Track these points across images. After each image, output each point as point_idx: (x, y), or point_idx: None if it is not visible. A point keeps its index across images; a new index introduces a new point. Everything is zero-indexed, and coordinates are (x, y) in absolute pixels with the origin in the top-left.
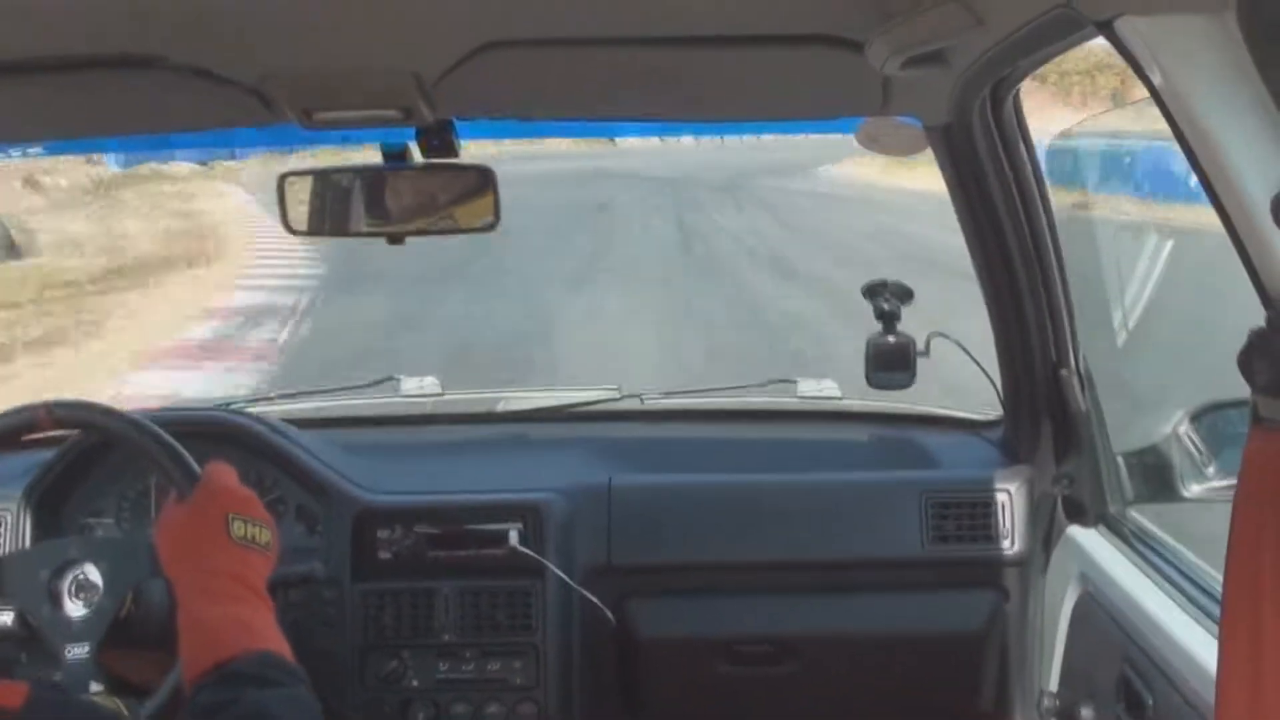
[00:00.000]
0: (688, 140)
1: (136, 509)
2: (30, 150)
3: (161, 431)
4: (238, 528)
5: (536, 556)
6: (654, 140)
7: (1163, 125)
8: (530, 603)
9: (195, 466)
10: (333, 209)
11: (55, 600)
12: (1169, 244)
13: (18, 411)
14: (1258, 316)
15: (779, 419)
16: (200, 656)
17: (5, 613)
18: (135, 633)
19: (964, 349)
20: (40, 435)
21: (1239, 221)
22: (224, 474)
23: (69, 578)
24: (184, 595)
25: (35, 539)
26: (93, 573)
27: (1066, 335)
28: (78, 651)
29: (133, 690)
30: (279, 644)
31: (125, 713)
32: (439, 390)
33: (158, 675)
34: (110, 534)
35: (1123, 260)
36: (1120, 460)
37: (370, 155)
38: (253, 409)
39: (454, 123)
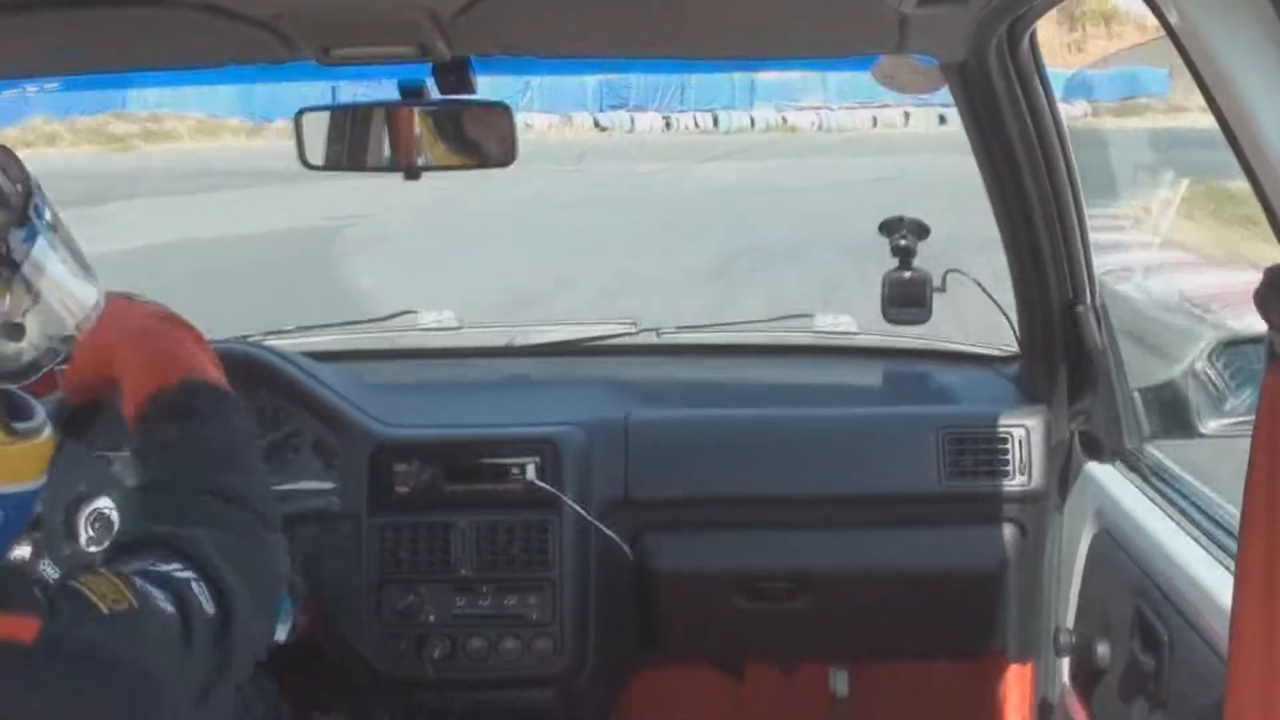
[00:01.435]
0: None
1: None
2: (47, 86)
3: None
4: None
5: (553, 490)
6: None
7: None
8: (547, 537)
9: None
10: (351, 144)
11: (72, 535)
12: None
13: None
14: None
15: (796, 354)
16: (140, 384)
17: (23, 547)
18: None
19: (980, 285)
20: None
21: (1256, 162)
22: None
23: (84, 512)
24: (119, 342)
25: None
26: (107, 506)
27: (1083, 271)
28: None
29: None
30: (217, 372)
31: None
32: (456, 324)
33: None
34: (127, 469)
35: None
36: (1137, 396)
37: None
38: (271, 341)
39: (471, 60)
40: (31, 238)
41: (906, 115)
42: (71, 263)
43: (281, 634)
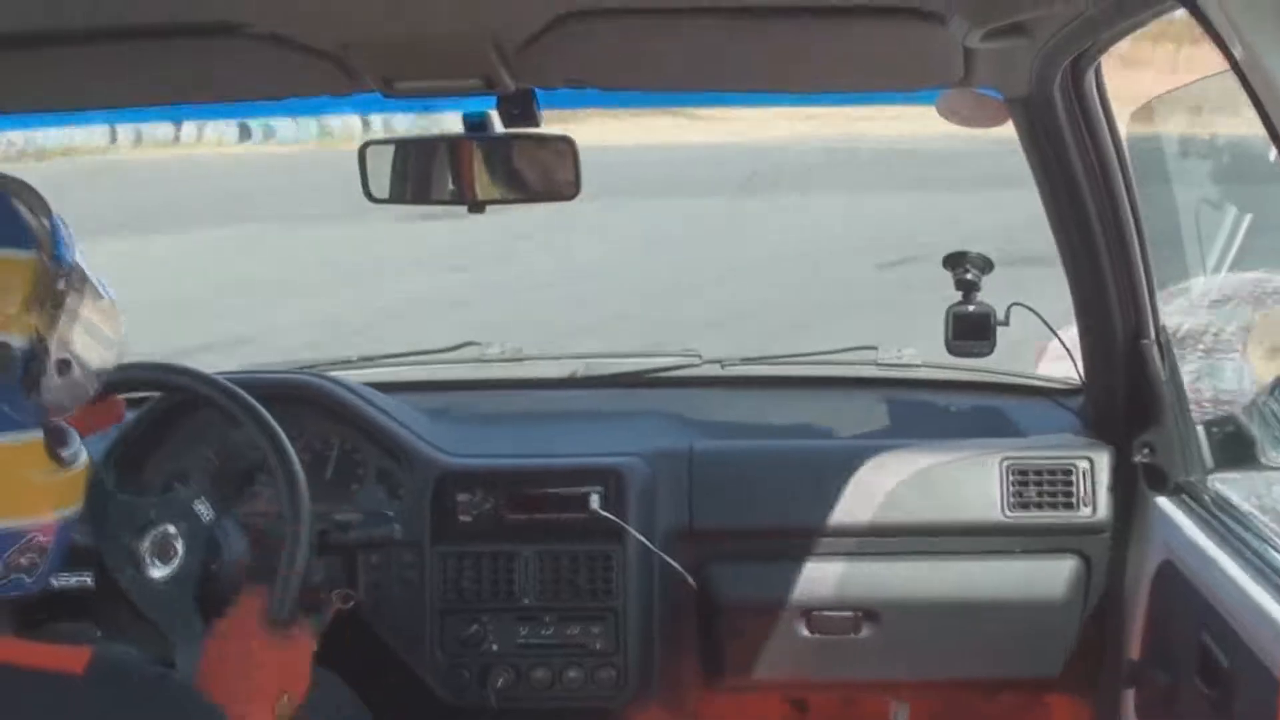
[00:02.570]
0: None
1: (220, 472)
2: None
3: (245, 394)
4: (282, 705)
5: (617, 520)
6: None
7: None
8: (611, 567)
9: (278, 429)
10: (415, 177)
11: (137, 563)
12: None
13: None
14: None
15: (859, 386)
16: None
17: (84, 575)
18: (217, 594)
19: (1043, 319)
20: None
21: None
22: (309, 637)
23: (148, 539)
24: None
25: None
26: (173, 534)
27: (1146, 305)
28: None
29: None
30: None
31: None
32: (519, 355)
33: None
34: (191, 496)
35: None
36: (1200, 429)
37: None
38: (334, 372)
39: (535, 92)
40: (63, 273)
41: None
42: (102, 295)
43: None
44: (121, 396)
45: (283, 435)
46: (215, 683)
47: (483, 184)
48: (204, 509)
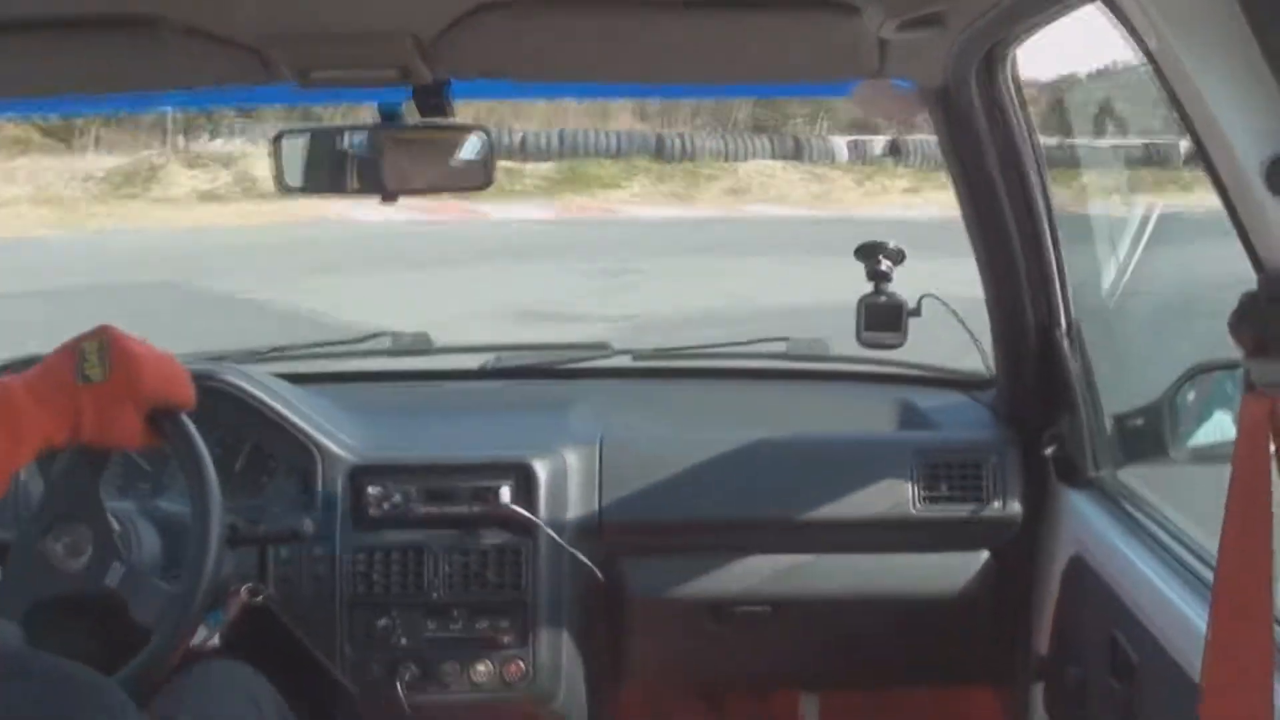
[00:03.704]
0: None
1: (132, 467)
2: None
3: None
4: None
5: (527, 514)
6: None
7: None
8: (520, 561)
9: (189, 425)
10: (329, 167)
11: (46, 559)
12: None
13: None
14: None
15: (771, 377)
16: None
17: None
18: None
19: (953, 311)
20: None
21: (1232, 187)
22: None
23: (60, 536)
24: None
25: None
26: (85, 531)
27: (1058, 296)
28: None
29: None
30: None
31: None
32: (429, 346)
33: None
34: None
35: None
36: (1111, 422)
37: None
38: (245, 365)
39: (450, 83)
40: None
41: None
42: None
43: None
44: None
45: (192, 429)
46: None
47: (396, 174)
48: (116, 506)
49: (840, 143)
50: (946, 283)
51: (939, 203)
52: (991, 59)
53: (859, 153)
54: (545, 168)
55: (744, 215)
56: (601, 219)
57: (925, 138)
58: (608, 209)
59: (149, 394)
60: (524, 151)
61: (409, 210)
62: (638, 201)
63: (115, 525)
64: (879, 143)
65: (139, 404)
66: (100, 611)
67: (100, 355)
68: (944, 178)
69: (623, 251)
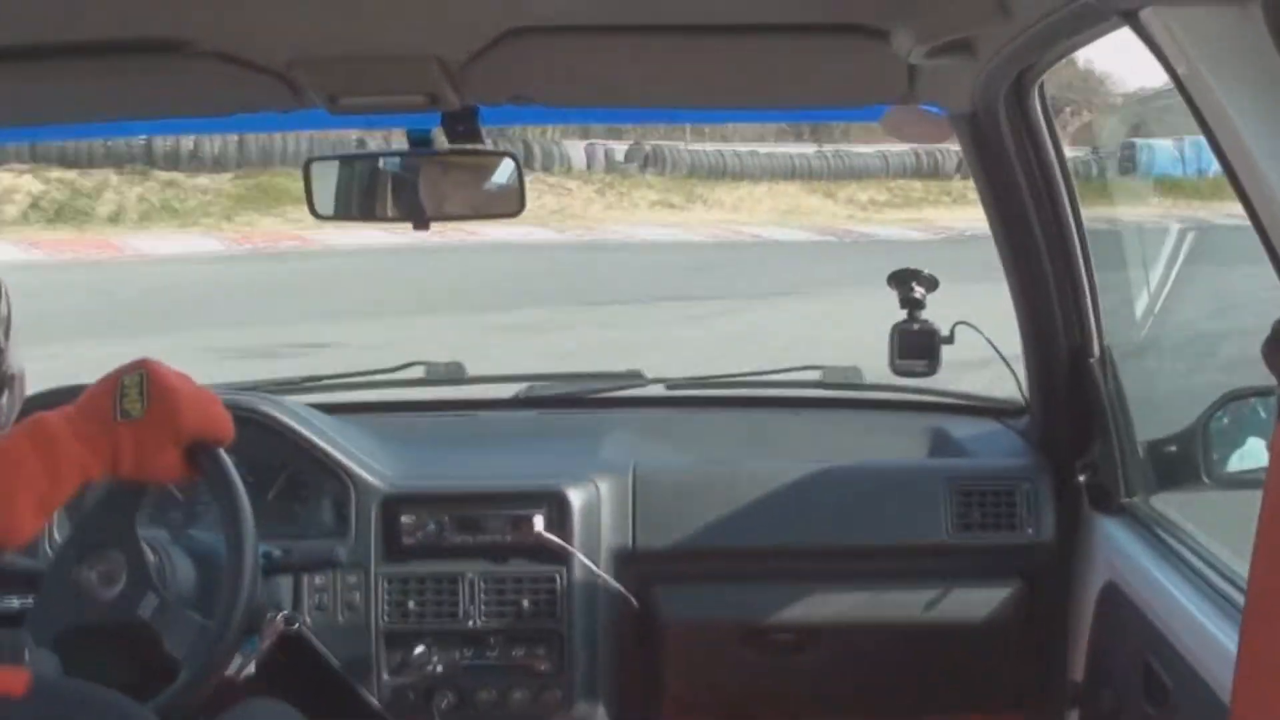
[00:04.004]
0: None
1: (167, 498)
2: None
3: None
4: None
5: (561, 542)
6: None
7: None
8: (555, 589)
9: (224, 455)
10: (359, 194)
11: (79, 587)
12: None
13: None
14: None
15: (803, 405)
16: None
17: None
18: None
19: (987, 339)
20: None
21: (1263, 212)
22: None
23: (95, 564)
24: None
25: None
26: (119, 560)
27: (1090, 322)
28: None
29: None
30: None
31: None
32: (463, 375)
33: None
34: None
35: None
36: (1144, 449)
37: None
38: (279, 395)
39: (478, 109)
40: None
41: None
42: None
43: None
44: None
45: (226, 460)
46: None
47: (427, 201)
48: (150, 535)
49: (577, 147)
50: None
51: (701, 221)
52: (1021, 85)
53: (598, 159)
54: (224, 179)
55: (473, 241)
56: (290, 249)
57: (671, 143)
58: (299, 237)
59: (187, 430)
60: (197, 158)
61: None
62: (334, 224)
63: (150, 555)
64: (621, 149)
65: (177, 440)
66: (134, 640)
67: (140, 390)
68: (699, 186)
69: (313, 307)
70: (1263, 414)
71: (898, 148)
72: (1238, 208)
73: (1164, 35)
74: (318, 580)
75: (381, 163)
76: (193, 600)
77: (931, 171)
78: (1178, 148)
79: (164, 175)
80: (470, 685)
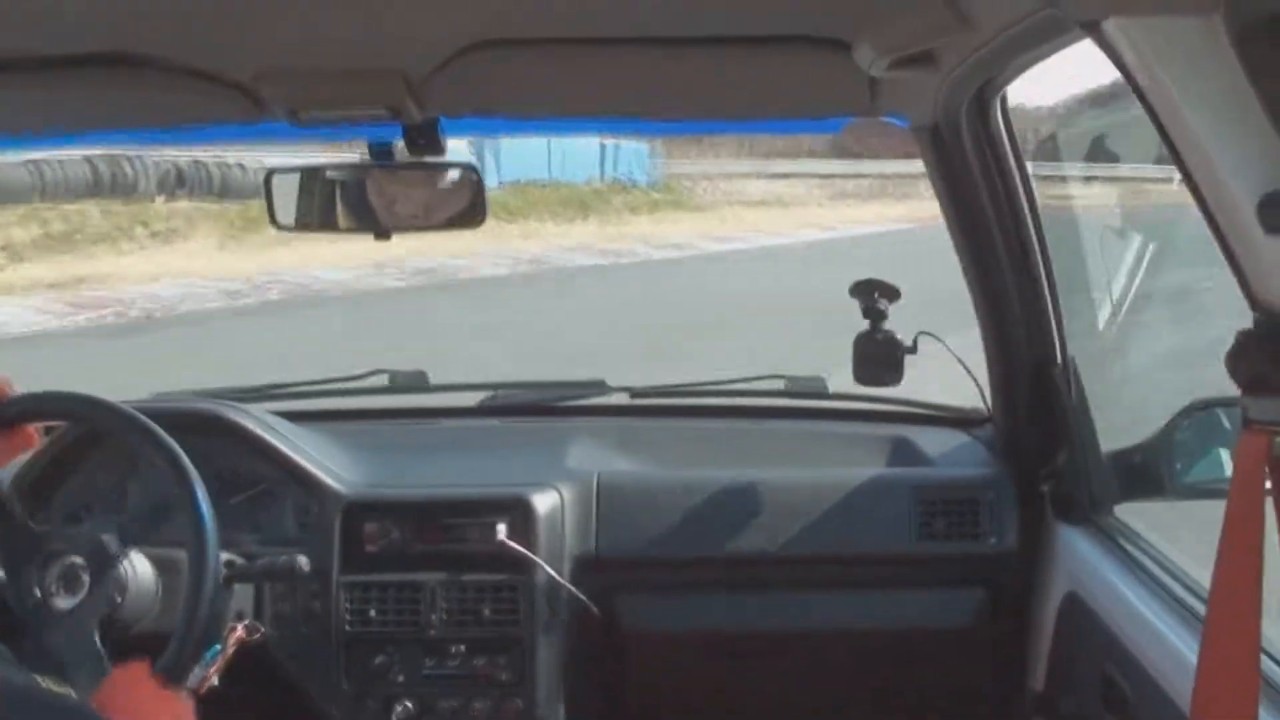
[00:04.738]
0: None
1: (129, 505)
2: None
3: (152, 424)
4: None
5: (524, 551)
6: None
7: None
8: (517, 597)
9: (184, 462)
10: (320, 205)
11: (41, 593)
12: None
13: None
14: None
15: (767, 415)
16: None
17: None
18: (122, 628)
19: (949, 349)
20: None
21: (1225, 224)
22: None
23: (54, 570)
24: None
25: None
26: (80, 566)
27: (1053, 332)
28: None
29: None
30: None
31: (74, 696)
32: (426, 384)
33: None
34: (99, 528)
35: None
36: (1108, 458)
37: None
38: (244, 402)
39: (440, 121)
40: None
41: None
42: None
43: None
44: (32, 426)
45: (189, 467)
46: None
47: (388, 213)
48: (112, 541)
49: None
50: None
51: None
52: (983, 96)
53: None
54: None
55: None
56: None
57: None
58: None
59: None
60: None
61: None
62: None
63: (112, 561)
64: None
65: None
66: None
67: None
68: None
69: None
70: (1227, 424)
71: None
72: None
73: (1126, 46)
74: (280, 589)
75: (342, 174)
76: (155, 609)
77: None
78: None
79: None
80: (431, 694)
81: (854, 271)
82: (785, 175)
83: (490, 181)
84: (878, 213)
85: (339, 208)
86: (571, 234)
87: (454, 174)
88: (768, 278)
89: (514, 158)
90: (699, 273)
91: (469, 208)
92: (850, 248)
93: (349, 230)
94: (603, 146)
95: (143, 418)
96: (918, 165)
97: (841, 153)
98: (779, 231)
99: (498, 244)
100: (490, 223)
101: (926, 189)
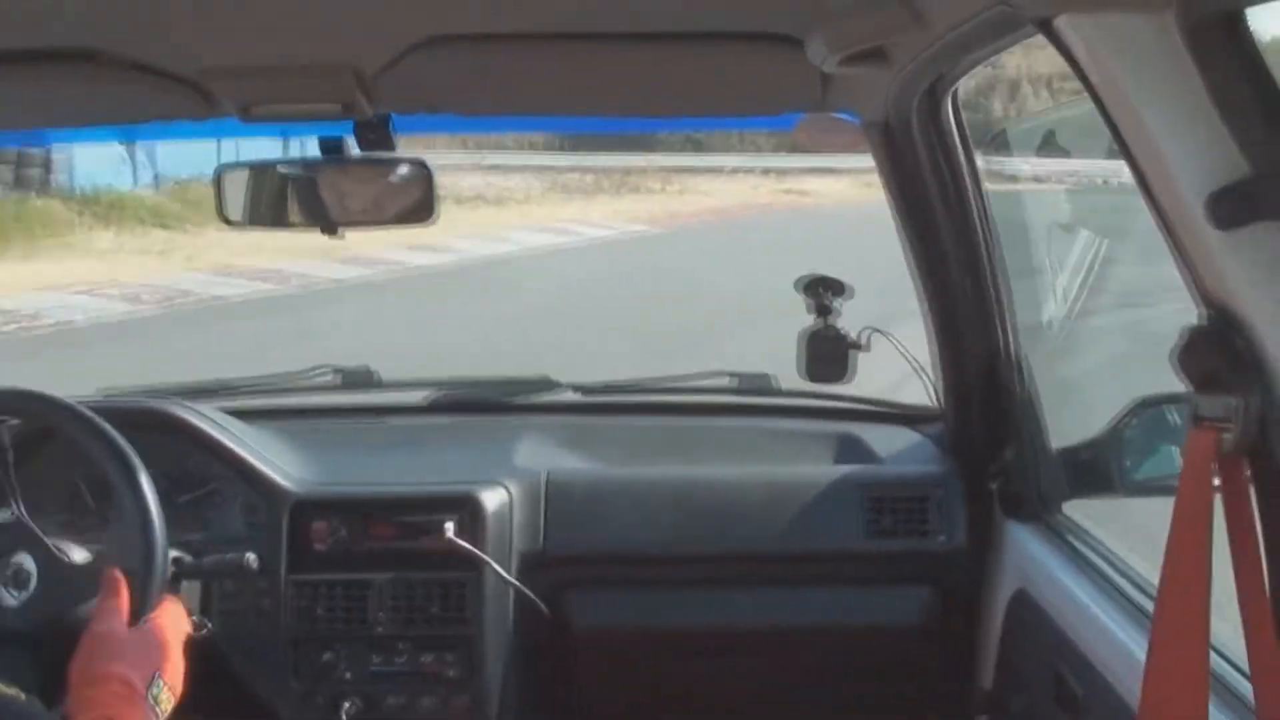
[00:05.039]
0: None
1: (78, 501)
2: None
3: (101, 422)
4: (155, 688)
5: (472, 549)
6: None
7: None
8: (465, 595)
9: (135, 460)
10: (270, 201)
11: None
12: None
13: None
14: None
15: (716, 412)
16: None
17: None
18: (70, 625)
19: (898, 345)
20: None
21: (1175, 220)
22: (176, 620)
23: (2, 568)
24: (78, 706)
25: None
26: (28, 563)
27: (1002, 330)
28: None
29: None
30: None
31: (23, 698)
32: (375, 381)
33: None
34: (47, 525)
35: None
36: (1057, 455)
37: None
38: (192, 400)
39: (391, 117)
40: None
41: None
42: None
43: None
44: None
45: (136, 463)
46: (78, 672)
47: (339, 209)
48: (60, 538)
49: None
50: None
51: None
52: (934, 93)
53: None
54: None
55: None
56: None
57: None
58: None
59: None
60: None
61: None
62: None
63: (61, 558)
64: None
65: None
66: (39, 646)
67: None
68: None
69: None
70: (1174, 421)
71: None
72: None
73: (1077, 42)
74: (228, 586)
75: (292, 170)
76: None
77: None
78: None
79: None
80: (379, 691)
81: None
82: (499, 167)
83: (145, 178)
84: (612, 209)
85: (288, 204)
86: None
87: (405, 169)
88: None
89: (174, 151)
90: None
91: (419, 203)
92: (588, 264)
93: (300, 226)
94: (285, 139)
95: (87, 411)
96: (639, 159)
97: (566, 145)
98: (500, 234)
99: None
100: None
101: (659, 182)
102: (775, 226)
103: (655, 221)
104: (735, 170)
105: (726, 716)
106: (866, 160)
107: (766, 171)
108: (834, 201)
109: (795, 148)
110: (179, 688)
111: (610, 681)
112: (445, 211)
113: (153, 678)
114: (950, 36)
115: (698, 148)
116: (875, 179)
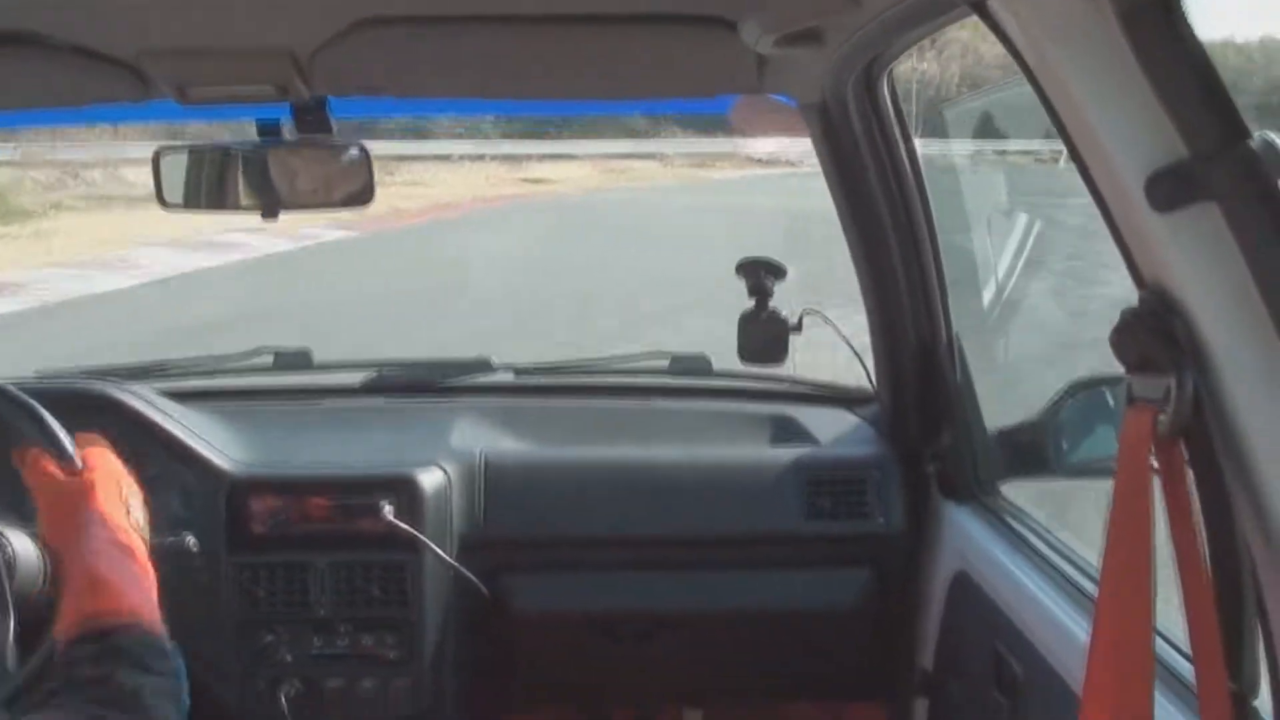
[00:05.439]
0: None
1: (15, 486)
2: None
3: (32, 402)
4: (136, 508)
5: (411, 530)
6: None
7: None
8: (405, 576)
9: (68, 444)
10: (208, 184)
11: None
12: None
13: None
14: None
15: (653, 394)
16: (82, 605)
17: None
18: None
19: (835, 327)
20: None
21: (1113, 203)
22: (107, 454)
23: None
24: (72, 555)
25: None
26: None
27: (939, 311)
28: None
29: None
30: (159, 622)
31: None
32: (311, 362)
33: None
34: None
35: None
36: (993, 437)
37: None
38: (128, 381)
39: (328, 100)
40: None
41: None
42: None
43: None
44: None
45: (67, 443)
46: (53, 532)
47: (277, 192)
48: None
49: None
50: None
51: None
52: (870, 74)
53: None
54: None
55: None
56: None
57: None
58: None
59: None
60: None
61: None
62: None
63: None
64: None
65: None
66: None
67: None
68: None
69: None
70: (1111, 402)
71: None
72: None
73: (1012, 24)
74: (166, 569)
75: (231, 153)
76: (40, 592)
77: None
78: None
79: None
80: (318, 674)
81: None
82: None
83: None
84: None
85: (228, 187)
86: None
87: (352, 153)
88: None
89: None
90: None
91: (358, 186)
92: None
93: (237, 209)
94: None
95: (21, 395)
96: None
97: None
98: (122, 254)
99: None
100: None
101: (382, 173)
102: (516, 227)
103: (356, 225)
104: (463, 158)
105: (666, 699)
106: (610, 145)
107: (500, 159)
108: (580, 190)
109: (528, 133)
110: (140, 492)
111: (550, 663)
112: (73, 223)
113: (127, 502)
114: (884, 16)
115: (418, 134)
116: (622, 163)
